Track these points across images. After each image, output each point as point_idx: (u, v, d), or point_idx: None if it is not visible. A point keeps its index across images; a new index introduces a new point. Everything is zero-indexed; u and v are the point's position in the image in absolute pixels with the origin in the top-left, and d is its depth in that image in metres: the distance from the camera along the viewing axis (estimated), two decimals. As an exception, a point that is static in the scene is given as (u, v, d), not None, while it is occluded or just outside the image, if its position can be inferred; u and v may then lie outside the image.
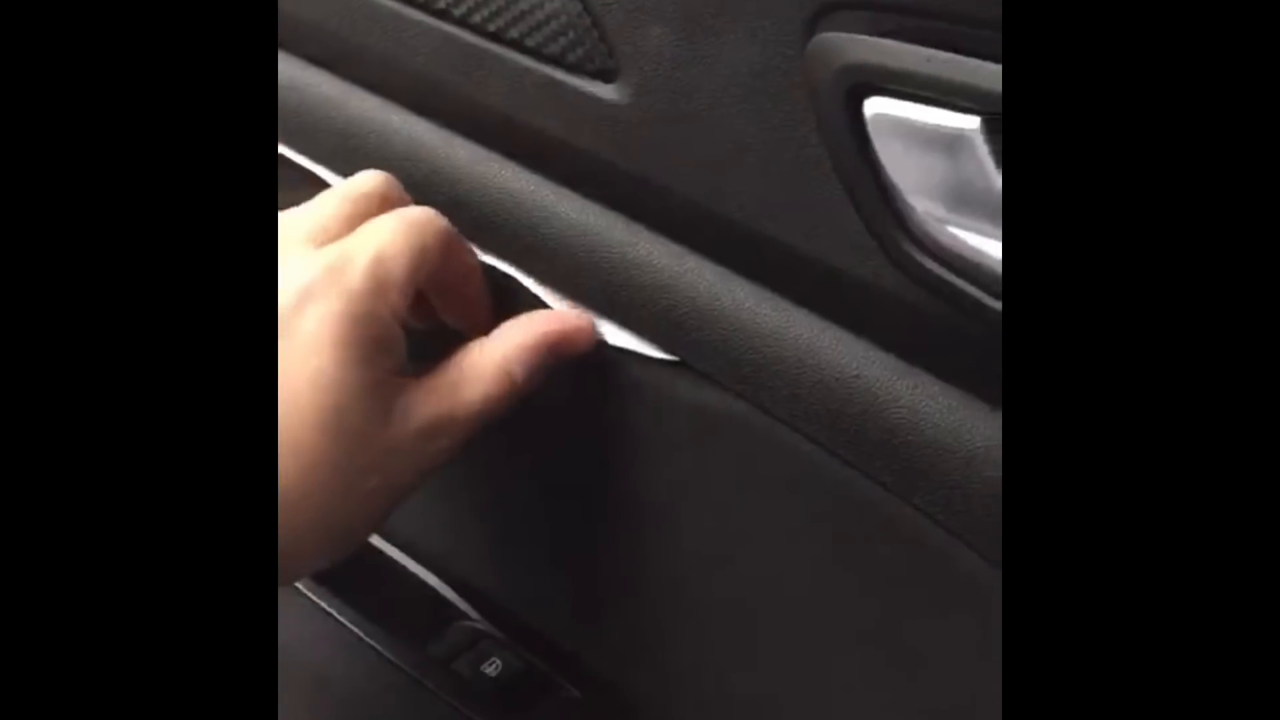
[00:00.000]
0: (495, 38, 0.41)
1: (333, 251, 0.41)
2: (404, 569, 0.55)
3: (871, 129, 0.34)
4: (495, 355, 0.42)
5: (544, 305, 0.45)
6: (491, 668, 0.51)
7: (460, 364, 0.42)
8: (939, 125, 0.32)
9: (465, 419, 0.42)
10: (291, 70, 0.48)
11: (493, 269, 0.45)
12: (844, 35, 0.33)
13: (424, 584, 0.55)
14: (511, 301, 0.45)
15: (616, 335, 0.43)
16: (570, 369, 0.45)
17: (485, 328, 0.44)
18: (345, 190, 0.43)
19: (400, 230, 0.41)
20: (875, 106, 0.33)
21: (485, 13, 0.41)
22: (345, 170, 0.48)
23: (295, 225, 0.42)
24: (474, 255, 0.44)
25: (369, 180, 0.44)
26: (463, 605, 0.54)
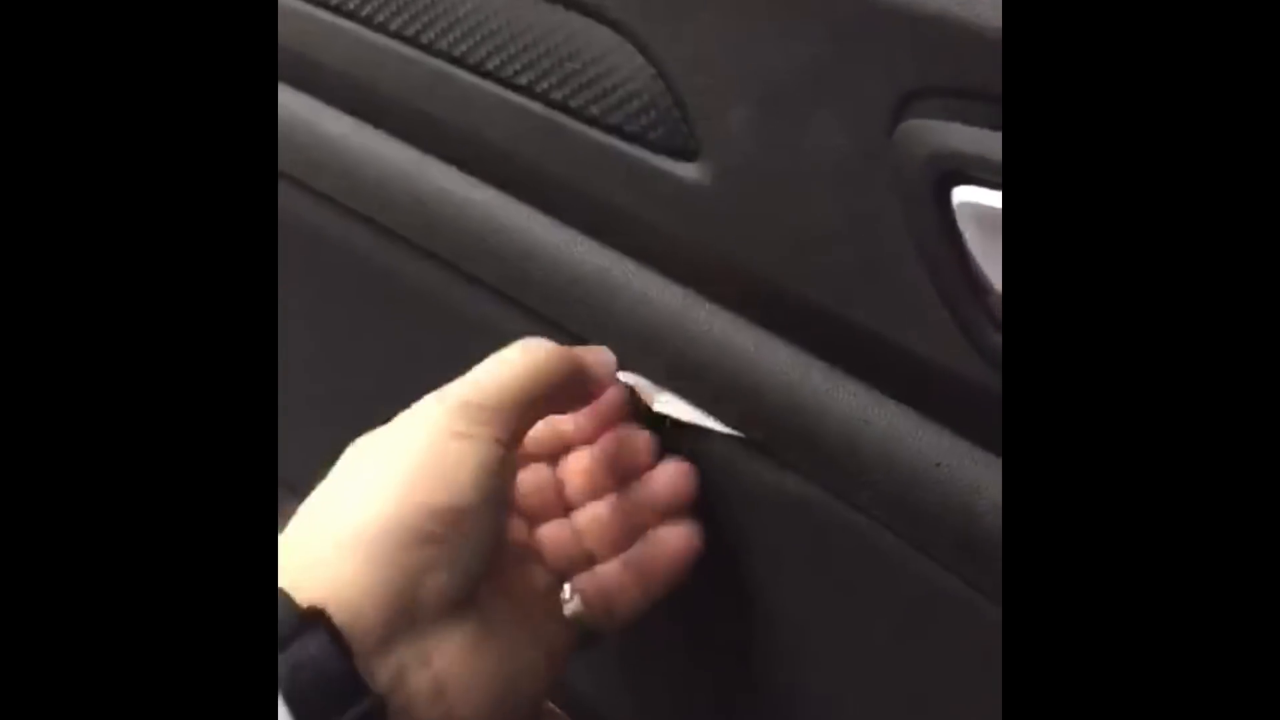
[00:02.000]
0: (575, 114, 0.41)
1: None
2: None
3: (959, 217, 0.33)
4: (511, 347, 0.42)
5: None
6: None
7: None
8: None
9: (486, 394, 0.40)
10: (370, 140, 0.49)
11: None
12: (932, 122, 0.33)
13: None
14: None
15: (692, 413, 0.43)
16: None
17: None
18: None
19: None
20: (963, 195, 0.33)
21: (566, 89, 0.41)
22: (424, 239, 0.48)
23: None
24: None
25: None
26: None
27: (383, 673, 0.37)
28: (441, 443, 0.39)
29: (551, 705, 0.53)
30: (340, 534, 0.38)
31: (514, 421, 0.40)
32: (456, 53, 0.44)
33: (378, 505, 0.38)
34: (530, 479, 0.45)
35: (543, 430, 0.44)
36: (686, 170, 0.39)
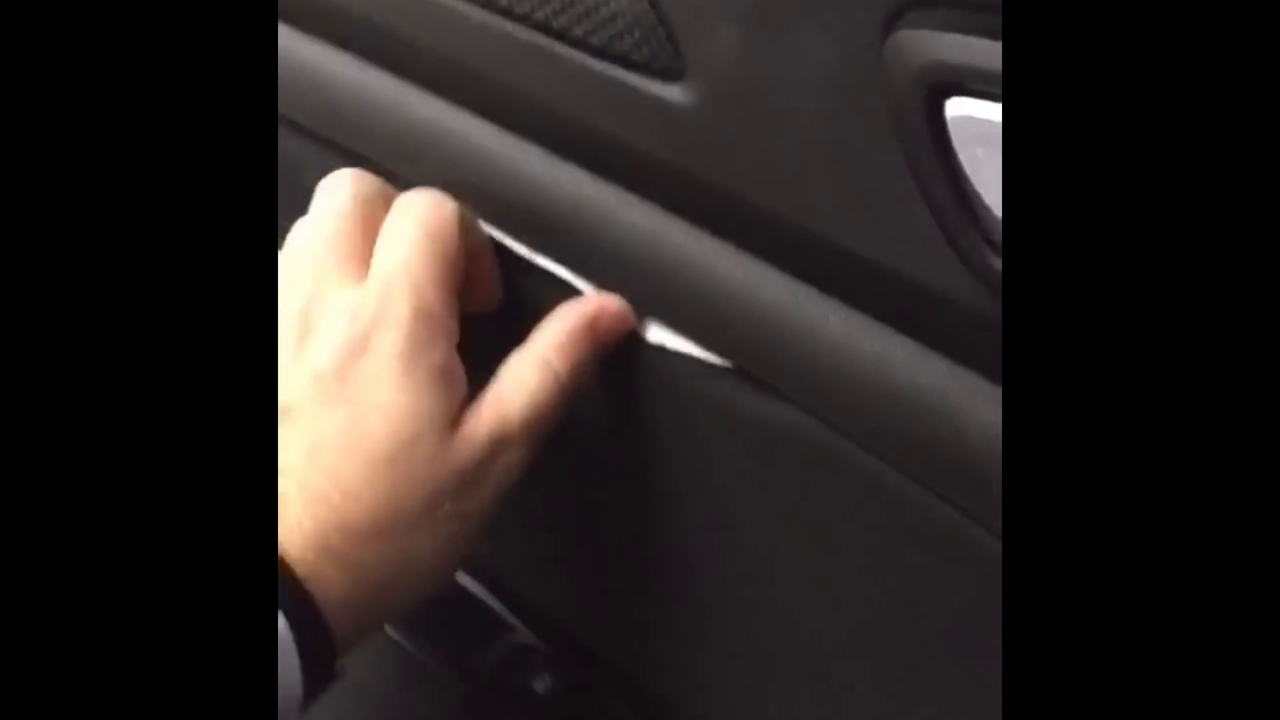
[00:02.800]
0: (558, 35, 0.40)
1: (375, 286, 0.41)
2: (454, 581, 0.53)
3: (953, 132, 0.32)
4: (533, 353, 0.42)
5: None
6: (541, 684, 0.50)
7: (503, 374, 0.42)
8: (1026, 129, 0.30)
9: (519, 427, 0.41)
10: (346, 68, 0.47)
11: (549, 273, 0.44)
12: (925, 32, 0.32)
13: (471, 594, 0.53)
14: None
15: (676, 341, 0.42)
16: (626, 376, 0.44)
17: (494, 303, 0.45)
18: (349, 201, 0.44)
19: (424, 249, 0.42)
20: (957, 108, 0.32)
21: (547, 10, 0.40)
22: (400, 166, 0.47)
23: (321, 246, 0.43)
24: (482, 232, 0.44)
25: (364, 183, 0.45)
26: (511, 618, 0.53)
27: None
28: (488, 483, 0.41)
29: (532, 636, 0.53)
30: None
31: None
32: (432, -28, 0.42)
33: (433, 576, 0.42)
34: None
35: None
36: (671, 91, 0.38)
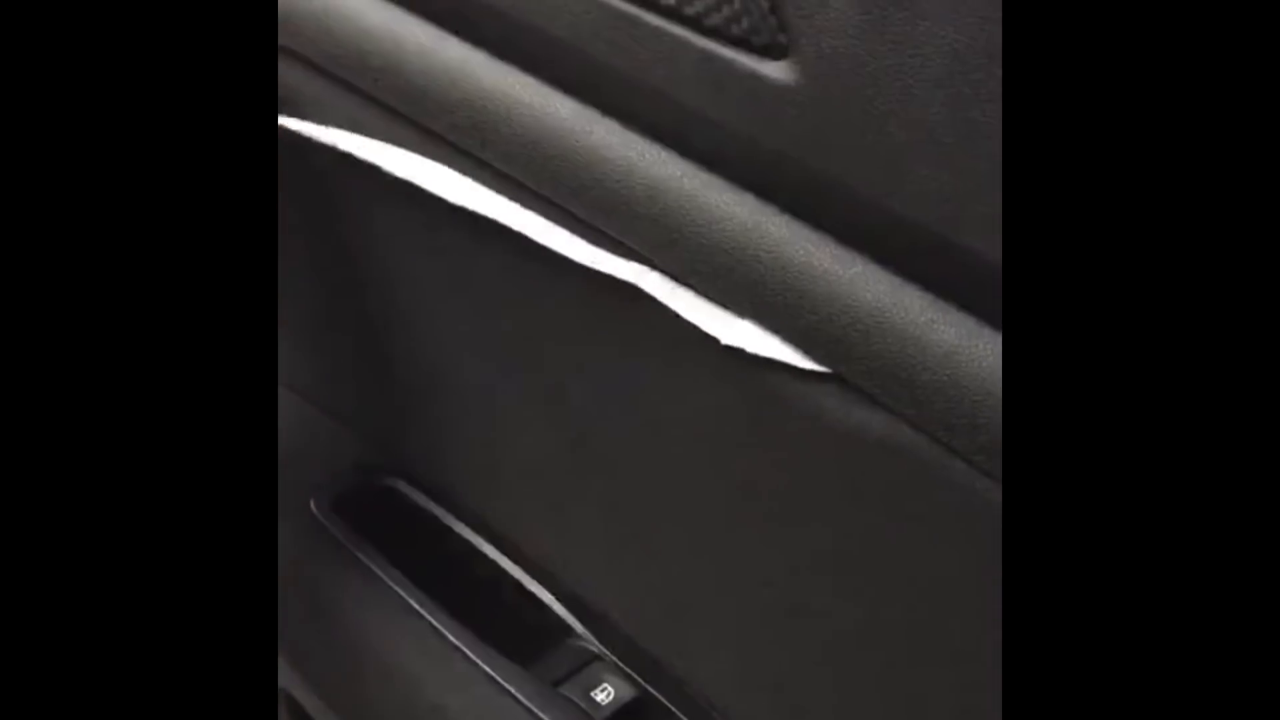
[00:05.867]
0: (651, 6, 0.37)
1: None
2: (516, 582, 0.51)
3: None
4: None
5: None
6: (603, 694, 0.47)
7: None
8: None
9: None
10: (419, 35, 0.44)
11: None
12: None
13: (536, 598, 0.51)
14: None
15: (760, 344, 0.39)
16: (701, 380, 0.41)
17: None
18: None
19: None
20: (1102, 98, 0.28)
21: (639, -23, 0.37)
22: (474, 145, 0.44)
23: None
24: None
25: None
26: (577, 625, 0.50)
27: None
28: None
29: (598, 644, 0.50)
30: None
31: None
32: (516, -65, 0.39)
33: None
34: None
35: None
36: (773, 69, 0.35)
